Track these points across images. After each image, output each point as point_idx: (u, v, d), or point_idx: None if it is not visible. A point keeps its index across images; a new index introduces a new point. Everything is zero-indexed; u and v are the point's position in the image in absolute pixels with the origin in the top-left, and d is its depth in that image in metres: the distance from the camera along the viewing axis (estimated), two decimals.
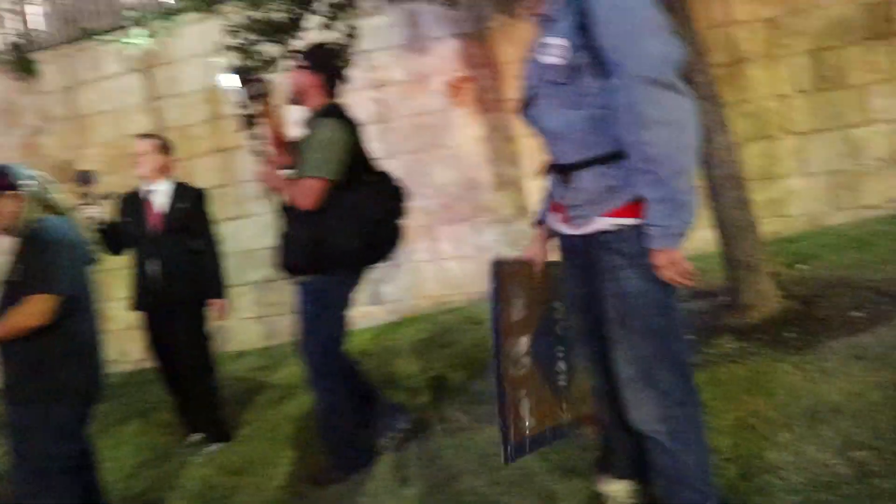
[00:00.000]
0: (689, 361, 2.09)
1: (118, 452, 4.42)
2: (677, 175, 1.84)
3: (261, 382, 5.33)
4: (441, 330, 5.71)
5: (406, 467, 3.24)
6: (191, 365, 4.17)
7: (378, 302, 6.70)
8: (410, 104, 6.46)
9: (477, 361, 4.60)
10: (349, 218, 3.20)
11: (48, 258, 2.69)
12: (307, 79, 3.32)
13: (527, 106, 2.17)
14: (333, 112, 3.29)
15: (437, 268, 6.64)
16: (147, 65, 6.85)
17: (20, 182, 2.79)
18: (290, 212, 3.29)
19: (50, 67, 7.01)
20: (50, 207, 2.83)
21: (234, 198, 6.50)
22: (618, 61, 1.87)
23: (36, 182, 2.84)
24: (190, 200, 4.19)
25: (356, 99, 6.45)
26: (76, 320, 2.77)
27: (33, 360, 2.72)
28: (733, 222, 3.95)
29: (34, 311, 2.64)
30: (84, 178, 4.04)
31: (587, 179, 2.02)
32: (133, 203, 4.26)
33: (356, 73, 6.34)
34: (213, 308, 4.16)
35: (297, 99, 3.37)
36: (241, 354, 6.29)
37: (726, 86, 5.90)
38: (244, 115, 3.26)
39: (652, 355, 2.01)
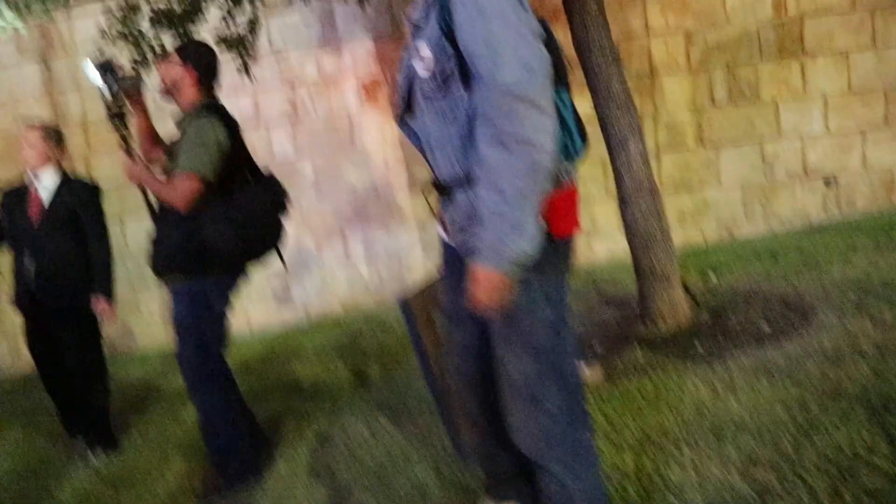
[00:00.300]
0: (579, 382, 1.95)
1: None
2: (522, 197, 1.66)
3: (158, 388, 5.04)
4: (350, 334, 5.52)
5: (296, 480, 3.05)
6: (74, 369, 3.88)
7: (287, 303, 6.47)
8: (324, 104, 6.27)
9: (385, 368, 4.45)
10: (225, 218, 3.02)
11: None
12: (180, 74, 3.13)
13: (402, 116, 2.01)
14: (209, 110, 3.11)
15: (348, 271, 6.45)
16: (45, 55, 6.46)
17: None
18: (162, 212, 3.10)
19: None
20: None
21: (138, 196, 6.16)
22: (477, 70, 1.68)
23: None
24: (77, 196, 3.89)
25: (269, 98, 6.28)
26: None
27: None
28: (645, 232, 3.89)
29: None
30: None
31: (462, 197, 1.86)
32: (15, 197, 3.94)
33: (269, 72, 6.16)
34: (98, 309, 3.87)
35: (169, 95, 3.18)
36: (144, 358, 5.98)
37: (643, 96, 5.93)
38: (112, 111, 3.08)
39: (536, 375, 1.86)
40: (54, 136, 3.93)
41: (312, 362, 4.93)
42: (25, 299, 3.87)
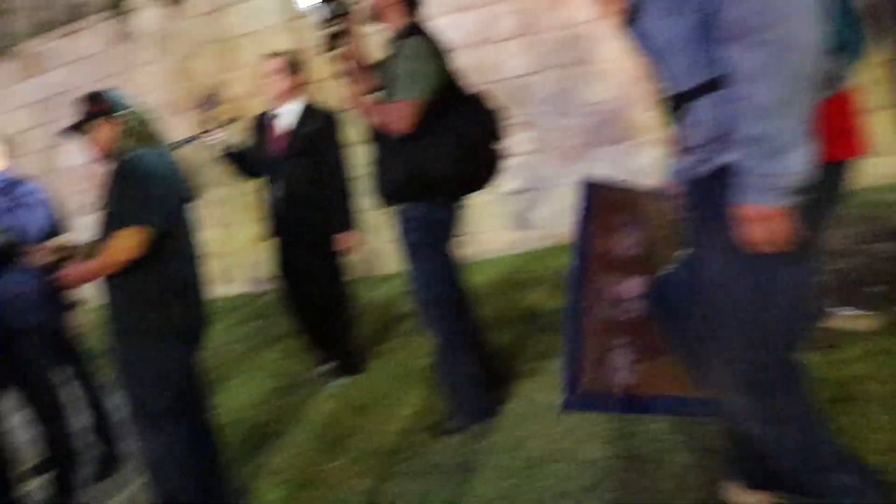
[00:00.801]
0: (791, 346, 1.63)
1: (253, 378, 4.40)
2: (785, 109, 1.34)
3: (401, 310, 5.13)
4: None
5: (531, 420, 2.90)
6: (320, 294, 4.02)
7: (526, 227, 6.31)
8: (556, 15, 5.86)
9: None
10: (446, 142, 2.91)
11: (139, 191, 2.52)
12: None
13: (632, 17, 1.66)
14: (417, 31, 2.99)
15: None
16: None
17: (117, 109, 2.65)
18: (381, 138, 3.02)
19: None
20: (146, 139, 2.66)
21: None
22: None
23: (134, 111, 2.68)
24: (318, 123, 3.94)
25: (497, 11, 6.00)
26: (172, 257, 2.62)
27: (130, 298, 2.61)
28: None
29: (124, 244, 2.49)
30: (208, 102, 3.90)
31: (701, 111, 1.52)
32: (261, 126, 4.09)
33: None
34: (340, 241, 3.94)
35: (376, 18, 3.08)
36: (386, 279, 6.15)
37: None
38: (326, 36, 3.00)
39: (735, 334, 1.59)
40: (294, 65, 3.99)
41: (550, 289, 4.74)
42: (273, 226, 4.04)
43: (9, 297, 3.16)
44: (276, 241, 4.09)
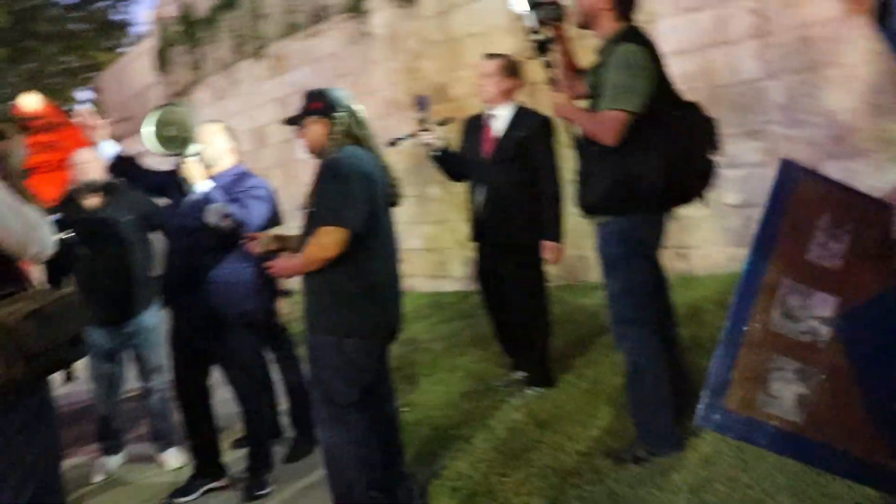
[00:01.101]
0: None
1: (447, 379, 4.44)
2: None
3: (600, 323, 4.95)
4: None
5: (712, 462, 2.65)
6: (517, 302, 3.97)
7: (747, 244, 5.83)
8: (795, 14, 5.33)
9: None
10: (655, 152, 2.75)
11: (341, 191, 2.60)
12: (597, 1, 2.87)
13: (882, 16, 1.42)
14: (631, 37, 2.82)
15: None
16: None
17: (334, 109, 2.75)
18: (587, 146, 2.88)
19: None
20: (357, 140, 2.74)
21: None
22: None
23: (351, 112, 2.77)
24: (529, 128, 3.88)
25: (730, 9, 5.56)
26: (369, 257, 2.67)
27: (325, 294, 2.70)
28: None
29: (323, 242, 2.59)
30: (421, 103, 3.98)
31: None
32: (472, 128, 4.10)
33: None
34: (545, 250, 3.86)
35: (586, 23, 2.95)
36: (589, 288, 5.97)
37: None
38: (535, 42, 2.96)
39: None
40: (510, 68, 3.96)
41: None
42: (476, 229, 4.04)
43: (228, 283, 3.41)
44: (477, 244, 4.09)
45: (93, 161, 3.81)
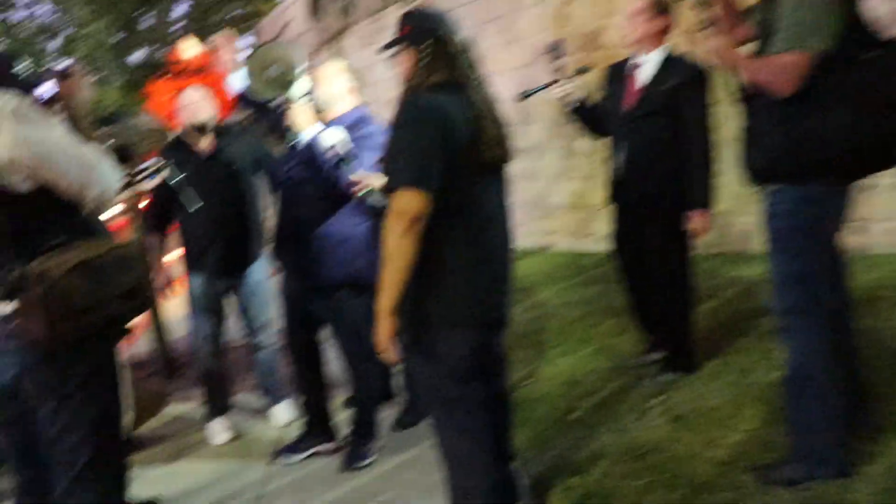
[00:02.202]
0: None
1: (577, 351, 4.04)
2: None
3: (759, 303, 4.35)
4: None
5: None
6: (657, 275, 3.50)
7: None
8: None
9: None
10: (844, 104, 2.19)
11: (414, 143, 2.08)
12: None
13: None
14: None
15: None
16: None
17: (422, 36, 2.20)
18: (755, 99, 2.36)
19: None
20: (449, 78, 2.25)
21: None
22: None
23: (440, 40, 2.19)
24: (680, 77, 3.34)
25: None
26: (463, 232, 2.13)
27: (416, 277, 2.15)
28: None
29: (398, 208, 2.06)
30: (555, 50, 3.52)
31: None
32: (616, 76, 3.61)
33: None
34: (691, 219, 3.35)
35: None
36: (749, 259, 5.33)
37: None
38: None
39: None
40: (663, 6, 3.43)
41: None
42: (615, 191, 3.59)
43: (337, 240, 3.14)
44: (615, 207, 3.64)
45: (202, 101, 3.63)
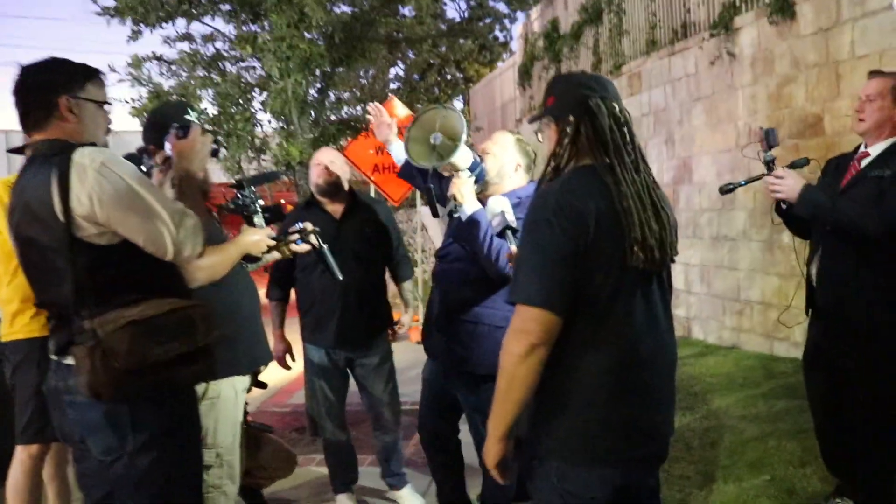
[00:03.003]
0: None
1: (750, 479, 3.52)
2: None
3: None
4: None
5: None
6: (861, 408, 2.93)
7: None
8: None
9: None
10: None
11: (539, 248, 1.79)
12: None
13: None
14: None
15: None
16: None
17: (569, 110, 1.87)
18: None
19: (808, 7, 6.05)
20: (603, 161, 1.87)
21: None
22: None
23: (590, 115, 1.85)
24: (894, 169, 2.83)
25: None
26: (600, 344, 1.78)
27: (543, 399, 1.85)
28: None
29: (517, 327, 1.77)
30: (767, 138, 3.05)
31: None
32: (835, 170, 3.10)
33: None
34: None
35: None
36: None
37: None
38: None
39: None
40: None
41: None
42: (809, 298, 3.12)
43: (488, 326, 2.82)
44: (813, 317, 3.14)
45: (337, 161, 3.56)
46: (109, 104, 2.05)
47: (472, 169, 2.77)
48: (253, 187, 2.54)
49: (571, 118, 1.85)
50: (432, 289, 3.12)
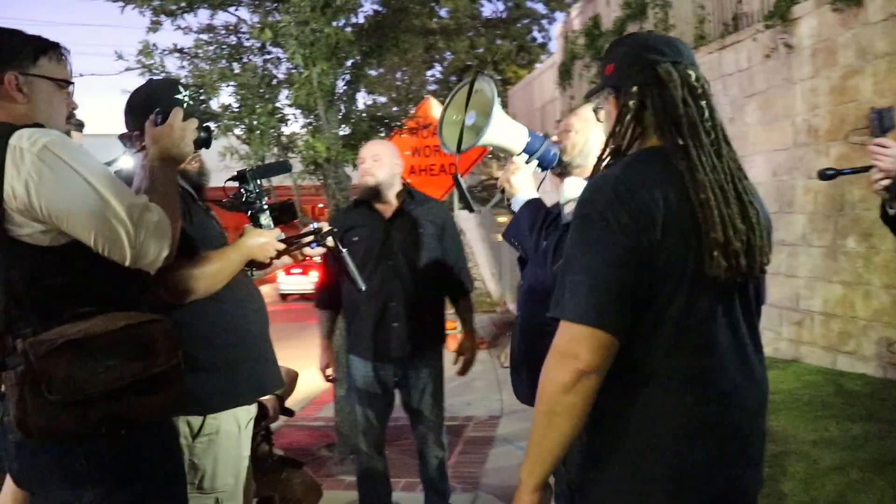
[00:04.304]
0: None
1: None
2: None
3: None
4: None
5: None
6: None
7: None
8: None
9: None
10: None
11: (594, 257, 1.34)
12: None
13: None
14: None
15: None
16: None
17: (631, 77, 1.50)
18: None
19: None
20: (674, 142, 1.47)
21: None
22: None
23: (660, 84, 1.47)
24: None
25: None
26: (670, 372, 1.39)
27: (597, 436, 1.46)
28: None
29: (563, 349, 1.37)
30: (881, 119, 2.63)
31: None
32: None
33: None
34: None
35: None
36: None
37: None
38: None
39: None
40: None
41: None
42: None
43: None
44: None
45: (384, 155, 3.20)
46: (71, 83, 1.70)
47: (529, 151, 2.24)
48: (259, 180, 2.18)
49: (635, 88, 1.47)
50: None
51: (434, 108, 7.16)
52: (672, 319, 1.36)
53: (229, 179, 2.19)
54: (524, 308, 2.47)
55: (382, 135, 4.74)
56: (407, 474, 3.90)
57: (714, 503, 1.42)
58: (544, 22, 11.34)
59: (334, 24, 3.91)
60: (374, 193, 3.18)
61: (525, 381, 2.41)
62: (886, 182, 2.52)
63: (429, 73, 14.20)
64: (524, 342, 2.43)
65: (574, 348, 1.32)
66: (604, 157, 1.51)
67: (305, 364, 3.71)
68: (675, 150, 1.42)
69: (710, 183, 1.39)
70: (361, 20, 4.47)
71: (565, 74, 11.89)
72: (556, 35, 13.09)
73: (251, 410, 2.26)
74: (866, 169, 2.61)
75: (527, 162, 2.25)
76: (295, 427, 5.14)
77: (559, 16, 11.48)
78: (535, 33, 11.39)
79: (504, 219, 8.97)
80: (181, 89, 2.02)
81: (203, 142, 1.93)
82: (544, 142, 2.24)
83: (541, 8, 11.03)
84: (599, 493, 1.45)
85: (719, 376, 1.40)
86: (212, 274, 1.98)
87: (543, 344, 2.20)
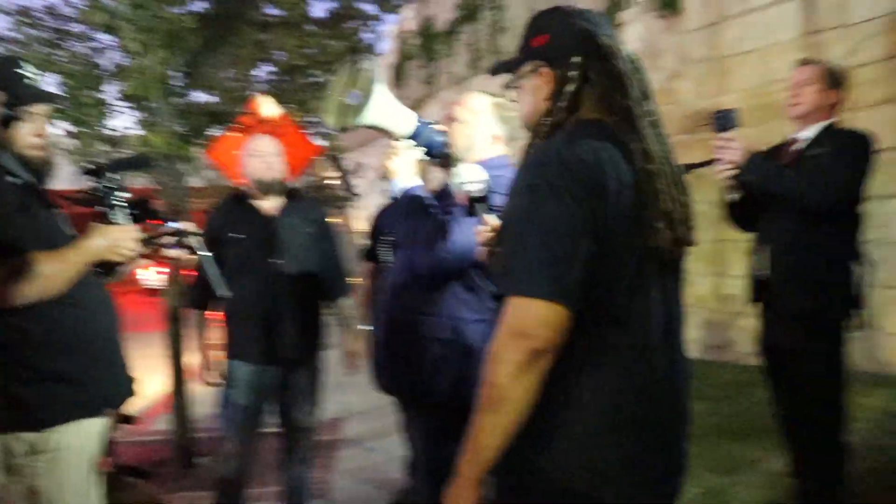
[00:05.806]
0: None
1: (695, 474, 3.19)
2: None
3: None
4: None
5: None
6: (808, 400, 2.69)
7: None
8: None
9: None
10: None
11: (540, 222, 1.33)
12: None
13: None
14: None
15: None
16: None
17: (570, 51, 1.42)
18: None
19: (695, 2, 6.01)
20: (615, 117, 1.45)
21: None
22: None
23: (597, 58, 1.41)
24: (833, 143, 2.65)
25: None
26: (611, 350, 1.33)
27: (540, 418, 1.33)
28: None
29: (514, 325, 1.27)
30: (722, 121, 2.77)
31: None
32: (769, 155, 2.89)
33: None
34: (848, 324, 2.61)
35: None
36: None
37: None
38: None
39: None
40: (835, 78, 2.76)
41: None
42: (755, 288, 2.85)
43: (440, 341, 2.18)
44: (759, 308, 2.89)
45: (275, 156, 3.03)
46: None
47: (415, 138, 2.13)
48: (115, 174, 1.95)
49: (579, 59, 1.40)
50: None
51: (263, 105, 6.87)
52: (619, 296, 1.31)
53: (84, 173, 1.94)
54: (395, 299, 2.36)
55: (220, 130, 4.52)
56: (268, 483, 3.68)
57: (666, 476, 1.39)
58: (373, 23, 11.27)
59: (170, 9, 3.63)
60: (266, 190, 3.00)
61: (388, 372, 2.32)
62: (733, 172, 2.73)
63: (259, 71, 13.74)
64: (392, 332, 2.30)
65: (529, 325, 1.23)
66: (540, 131, 1.43)
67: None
68: (620, 122, 1.37)
69: (657, 154, 1.36)
70: (199, 9, 4.21)
71: (400, 75, 11.96)
72: (387, 36, 13.10)
73: (99, 423, 1.99)
74: (710, 163, 2.79)
75: (416, 147, 2.17)
76: (124, 445, 4.69)
77: (389, 17, 11.48)
78: (364, 34, 11.30)
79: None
80: (23, 66, 1.76)
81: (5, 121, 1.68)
82: (427, 126, 2.17)
83: (370, 9, 10.97)
84: (543, 475, 1.33)
85: (662, 353, 1.36)
86: (47, 276, 1.75)
87: (415, 332, 2.15)
